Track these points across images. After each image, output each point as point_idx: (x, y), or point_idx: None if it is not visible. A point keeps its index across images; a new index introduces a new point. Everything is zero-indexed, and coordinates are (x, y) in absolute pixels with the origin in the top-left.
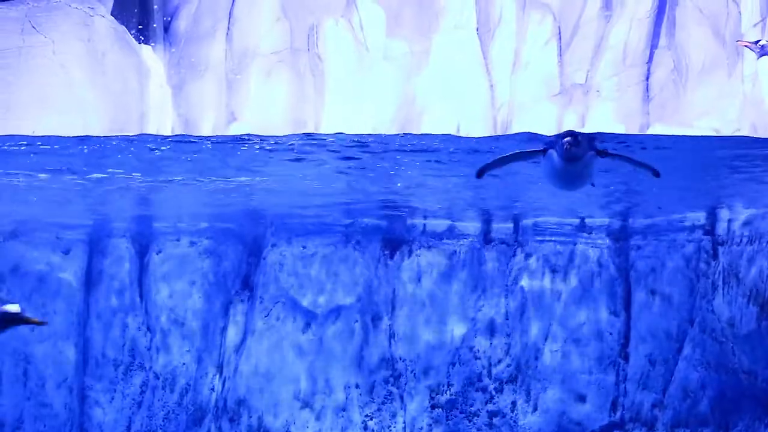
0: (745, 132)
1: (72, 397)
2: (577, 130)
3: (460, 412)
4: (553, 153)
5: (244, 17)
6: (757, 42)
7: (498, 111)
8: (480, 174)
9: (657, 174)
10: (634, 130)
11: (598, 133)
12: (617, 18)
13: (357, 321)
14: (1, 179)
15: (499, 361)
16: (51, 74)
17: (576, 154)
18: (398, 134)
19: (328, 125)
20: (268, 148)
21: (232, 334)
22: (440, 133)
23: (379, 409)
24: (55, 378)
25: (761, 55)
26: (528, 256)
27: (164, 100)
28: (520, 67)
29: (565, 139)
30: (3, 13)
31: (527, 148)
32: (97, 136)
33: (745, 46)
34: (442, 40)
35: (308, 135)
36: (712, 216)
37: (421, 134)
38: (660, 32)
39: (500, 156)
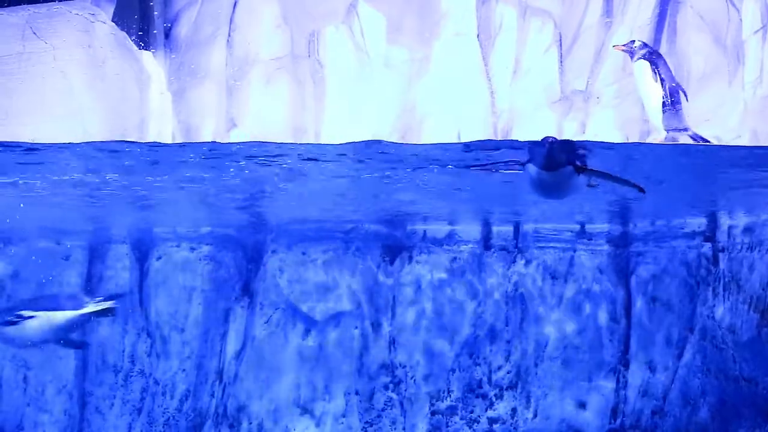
0: (746, 140)
1: (72, 403)
2: (577, 136)
3: (461, 419)
4: (530, 165)
5: (244, 24)
6: (632, 42)
7: (498, 118)
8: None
9: (642, 191)
10: (634, 137)
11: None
12: (618, 25)
13: (357, 327)
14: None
15: (500, 368)
16: (51, 80)
17: (552, 164)
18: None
19: (328, 132)
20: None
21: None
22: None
23: (379, 416)
24: (55, 384)
25: (634, 57)
26: (528, 262)
27: (164, 107)
28: (520, 74)
29: (542, 147)
30: (3, 19)
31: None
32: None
33: (622, 50)
34: (443, 46)
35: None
36: (713, 223)
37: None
38: (661, 39)
39: (491, 162)
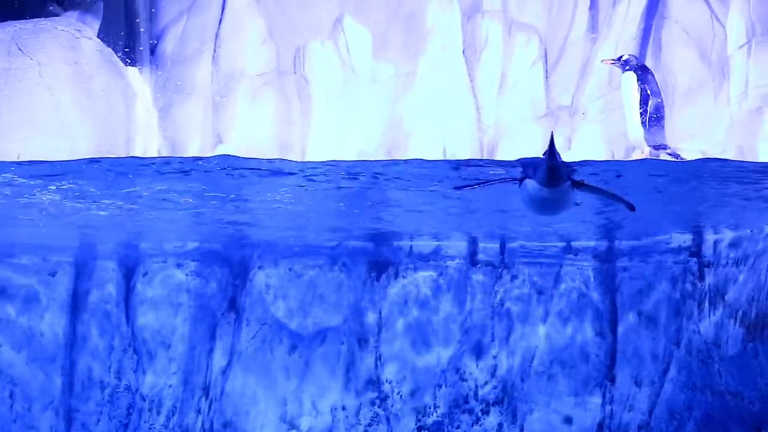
0: (732, 154)
1: (58, 420)
2: (563, 151)
3: None
4: (528, 181)
5: (230, 39)
6: (620, 58)
7: (484, 133)
8: (459, 188)
9: (632, 208)
10: (619, 152)
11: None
12: (603, 40)
13: (343, 343)
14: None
15: (486, 383)
16: (38, 97)
17: (554, 180)
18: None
19: (314, 148)
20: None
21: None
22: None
23: (365, 431)
24: (41, 400)
25: (624, 70)
26: (514, 277)
27: (150, 123)
28: (506, 89)
29: (544, 166)
30: None
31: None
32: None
33: (611, 63)
34: (429, 62)
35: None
36: (698, 238)
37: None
38: (646, 54)
39: (481, 180)
